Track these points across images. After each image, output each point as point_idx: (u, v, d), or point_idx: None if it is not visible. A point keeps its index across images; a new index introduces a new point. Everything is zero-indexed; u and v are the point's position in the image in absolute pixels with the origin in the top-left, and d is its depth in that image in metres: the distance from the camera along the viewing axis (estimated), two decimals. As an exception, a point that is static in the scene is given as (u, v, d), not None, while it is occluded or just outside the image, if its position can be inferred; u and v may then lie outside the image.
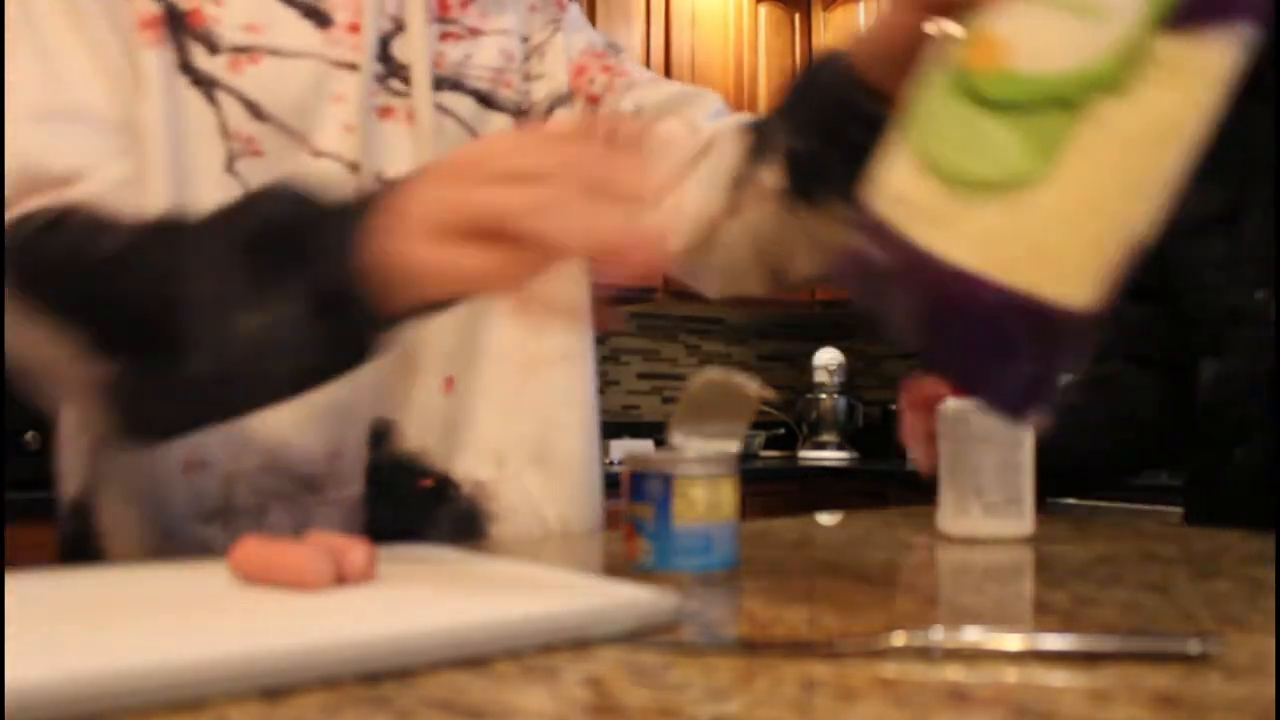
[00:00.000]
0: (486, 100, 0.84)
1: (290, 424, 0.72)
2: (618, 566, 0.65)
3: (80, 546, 0.73)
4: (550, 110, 0.88)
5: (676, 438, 0.73)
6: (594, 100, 0.90)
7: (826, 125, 0.69)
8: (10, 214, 0.63)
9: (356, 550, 0.51)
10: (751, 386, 0.73)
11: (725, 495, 0.64)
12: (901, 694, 0.37)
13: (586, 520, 0.87)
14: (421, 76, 0.79)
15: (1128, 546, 0.78)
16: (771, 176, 0.75)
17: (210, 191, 0.71)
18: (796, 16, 3.73)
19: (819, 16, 3.74)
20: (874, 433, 3.74)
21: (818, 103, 0.70)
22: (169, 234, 0.59)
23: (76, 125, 0.68)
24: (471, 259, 0.48)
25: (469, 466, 0.80)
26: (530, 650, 0.42)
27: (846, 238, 0.59)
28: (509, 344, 0.83)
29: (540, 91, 0.88)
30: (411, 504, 0.78)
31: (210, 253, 0.56)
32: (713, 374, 0.74)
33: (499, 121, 0.85)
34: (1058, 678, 0.39)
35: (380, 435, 0.77)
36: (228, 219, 0.57)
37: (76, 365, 0.59)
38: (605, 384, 3.61)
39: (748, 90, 3.56)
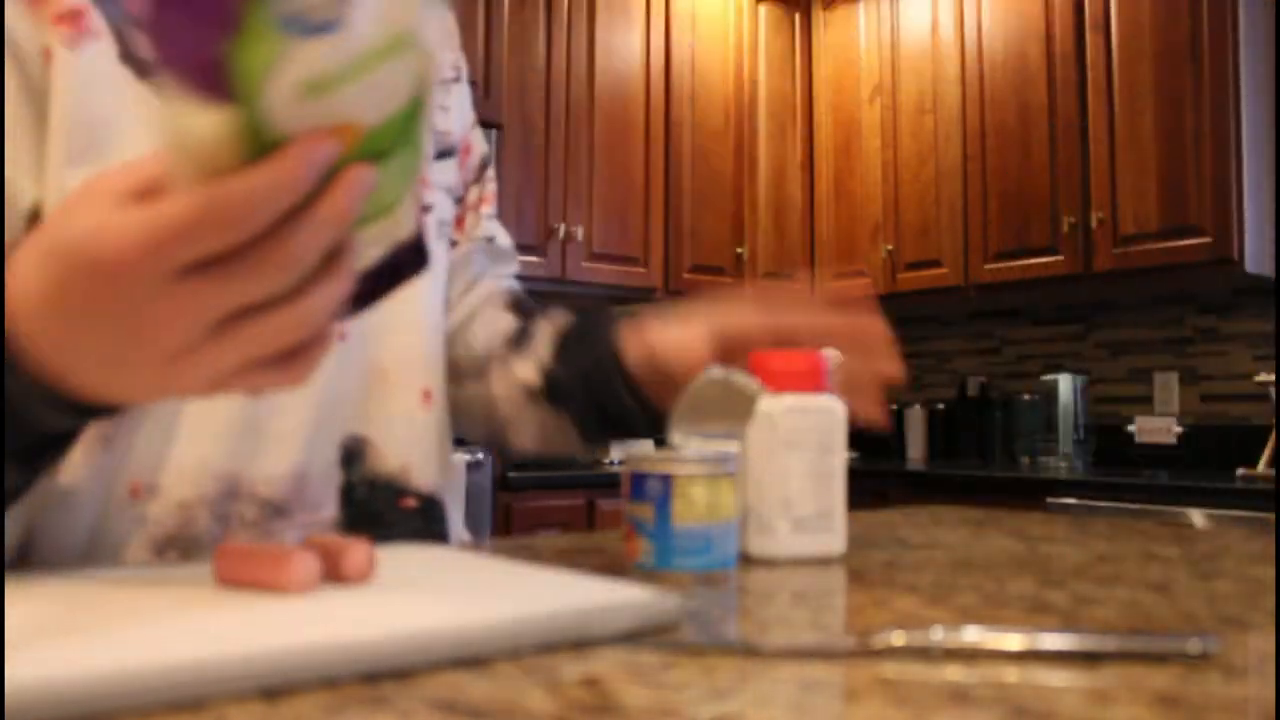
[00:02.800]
0: None
1: (248, 447, 0.68)
2: (618, 566, 0.65)
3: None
4: (444, 153, 0.87)
5: (676, 438, 0.73)
6: (465, 185, 0.91)
7: (587, 377, 0.79)
8: None
9: (356, 550, 0.51)
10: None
11: (725, 495, 0.64)
12: (901, 694, 0.37)
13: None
14: None
15: (1128, 546, 0.78)
16: (526, 372, 0.84)
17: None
18: (796, 16, 3.73)
19: (819, 16, 3.74)
20: (874, 433, 3.74)
21: (586, 361, 0.80)
22: None
23: None
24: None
25: (447, 485, 0.79)
26: (530, 650, 0.42)
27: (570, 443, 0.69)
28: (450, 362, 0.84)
29: (441, 122, 0.87)
30: (395, 526, 0.74)
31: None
32: (713, 374, 0.74)
33: None
34: (1058, 678, 0.39)
35: (353, 454, 0.73)
36: None
37: None
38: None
39: (748, 90, 3.56)
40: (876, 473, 3.11)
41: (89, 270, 0.40)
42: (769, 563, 0.68)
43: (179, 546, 0.65)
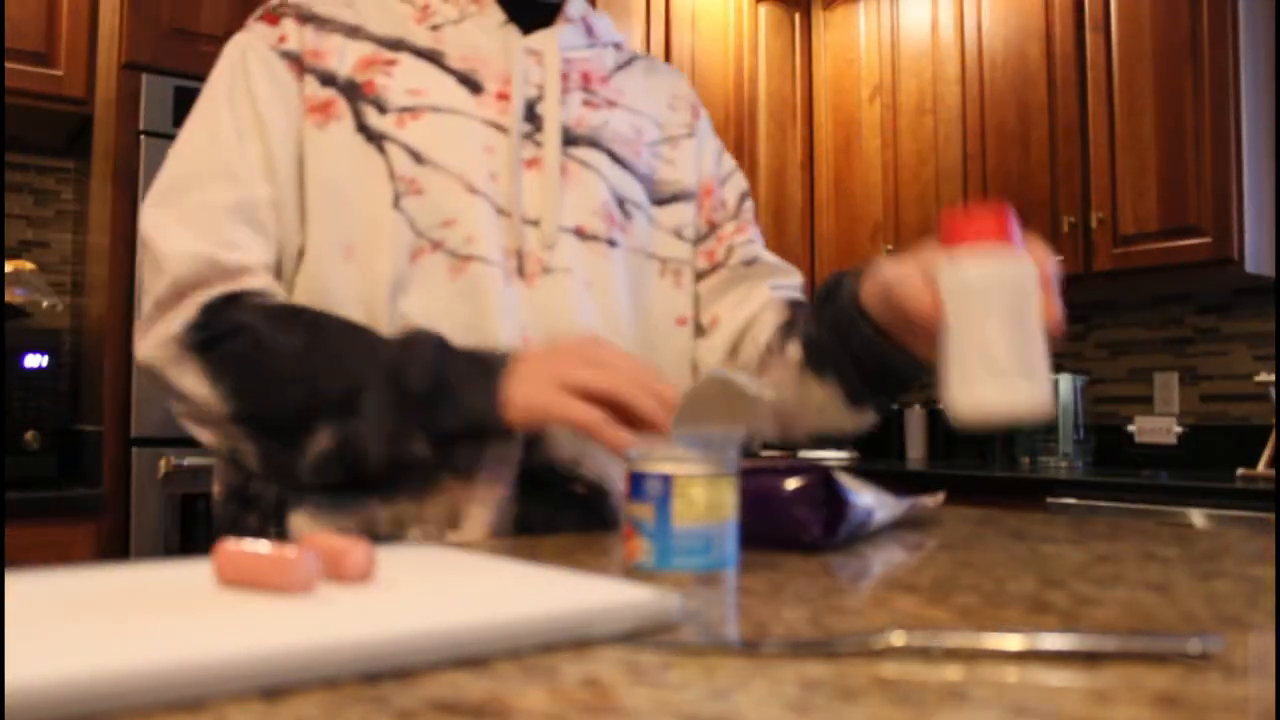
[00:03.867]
0: (618, 160, 0.98)
1: None
2: (618, 566, 0.65)
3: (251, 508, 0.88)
4: (673, 198, 1.03)
5: (676, 438, 0.73)
6: (711, 224, 1.06)
7: (838, 331, 0.88)
8: (200, 295, 0.82)
9: (356, 550, 0.51)
10: (752, 386, 0.73)
11: (725, 495, 0.64)
12: (901, 694, 0.37)
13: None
14: (550, 134, 0.93)
15: (1128, 546, 0.78)
16: (794, 350, 0.95)
17: (382, 228, 0.86)
18: (796, 16, 3.73)
19: (819, 16, 3.74)
20: (874, 433, 3.74)
21: (833, 312, 0.89)
22: (336, 355, 0.79)
23: (246, 224, 0.85)
24: (569, 403, 0.72)
25: (614, 478, 0.89)
26: (530, 650, 0.42)
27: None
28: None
29: (665, 172, 1.03)
30: (562, 508, 0.87)
31: (375, 386, 0.77)
32: (713, 374, 0.74)
33: (623, 177, 0.98)
34: (1058, 678, 0.39)
35: (534, 440, 0.85)
36: (393, 358, 0.77)
37: (215, 418, 0.81)
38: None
39: (748, 90, 3.56)
40: (876, 473, 3.10)
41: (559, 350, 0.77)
42: (973, 414, 0.69)
43: (384, 494, 0.84)
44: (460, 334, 0.82)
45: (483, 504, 0.84)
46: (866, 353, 0.86)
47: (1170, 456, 3.04)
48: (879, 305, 0.83)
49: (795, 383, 0.95)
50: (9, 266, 2.33)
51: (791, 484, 0.72)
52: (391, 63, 0.90)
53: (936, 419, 3.53)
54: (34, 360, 2.15)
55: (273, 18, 0.92)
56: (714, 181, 1.08)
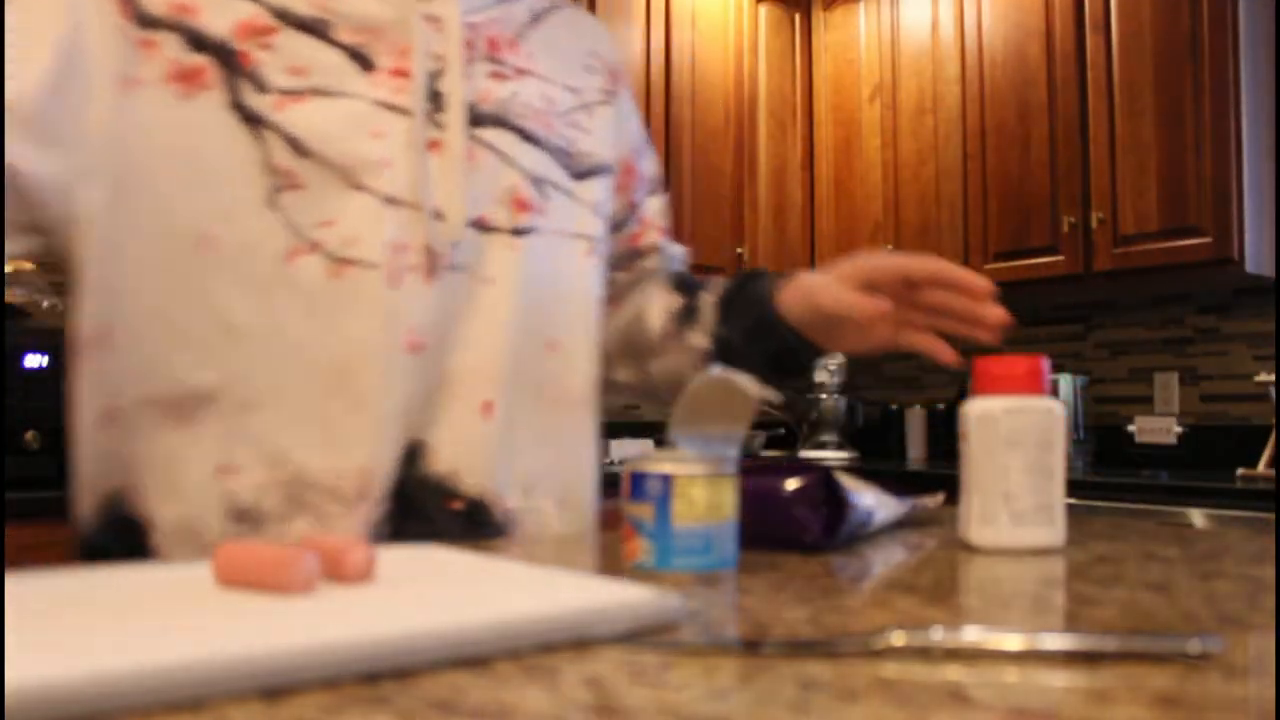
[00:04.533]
0: (527, 136, 0.89)
1: (324, 441, 0.77)
2: (618, 566, 0.65)
3: (114, 537, 0.79)
4: (591, 172, 0.95)
5: (676, 438, 0.73)
6: (633, 205, 1.03)
7: (750, 332, 0.93)
8: None
9: (356, 550, 0.51)
10: (751, 387, 0.73)
11: (725, 495, 0.64)
12: (901, 694, 0.37)
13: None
14: (455, 113, 0.83)
15: (1128, 546, 0.78)
16: (699, 340, 0.97)
17: (250, 224, 0.77)
18: (796, 16, 3.73)
19: (819, 16, 3.74)
20: (874, 433, 3.75)
21: (745, 311, 0.93)
22: None
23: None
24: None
25: (500, 492, 0.83)
26: (530, 650, 0.42)
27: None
28: (544, 378, 0.88)
29: (583, 143, 0.94)
30: (440, 524, 0.80)
31: None
32: (713, 374, 0.74)
33: (536, 156, 0.89)
34: (1058, 678, 0.39)
35: (411, 455, 0.79)
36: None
37: None
38: (605, 384, 3.60)
39: (748, 90, 3.56)
40: (877, 472, 3.10)
41: None
42: (990, 552, 0.74)
43: (251, 520, 0.76)
44: (327, 345, 0.77)
45: (351, 529, 0.77)
46: (782, 351, 0.93)
47: (1170, 456, 3.04)
48: (800, 309, 0.90)
49: (693, 368, 0.96)
50: (9, 266, 2.33)
51: (791, 484, 0.72)
52: (271, 31, 0.78)
53: (936, 419, 3.53)
54: (34, 360, 2.15)
55: None
56: (634, 157, 1.03)
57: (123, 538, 0.78)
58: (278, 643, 0.37)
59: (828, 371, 3.58)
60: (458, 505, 0.81)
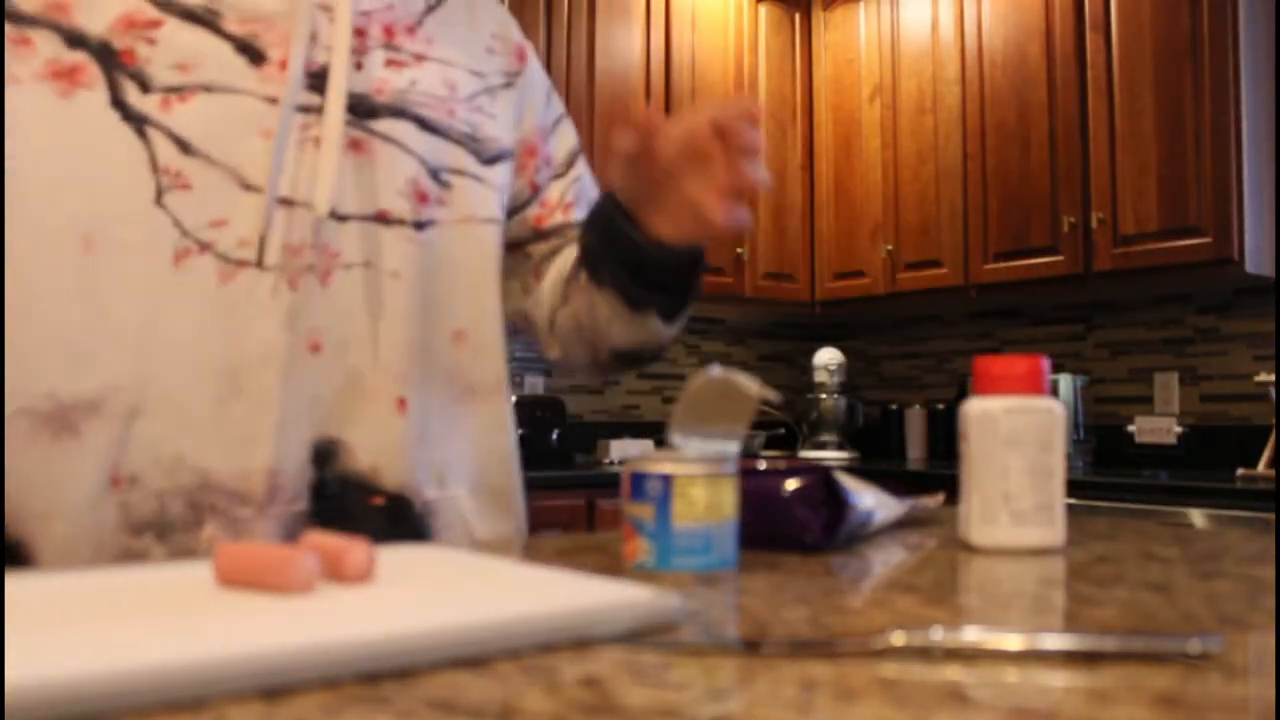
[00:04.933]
0: (427, 126, 0.86)
1: (222, 443, 0.74)
2: (618, 566, 0.65)
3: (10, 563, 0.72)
4: (502, 156, 0.93)
5: (676, 438, 0.73)
6: (535, 187, 0.99)
7: (603, 234, 0.88)
8: None
9: (356, 550, 0.51)
10: (751, 386, 0.73)
11: (725, 495, 0.64)
12: (901, 694, 0.37)
13: (510, 538, 0.92)
14: (333, 107, 0.80)
15: (1128, 546, 0.78)
16: (581, 269, 0.93)
17: (138, 225, 0.75)
18: (796, 16, 3.73)
19: (819, 16, 3.74)
20: (874, 433, 3.75)
21: (595, 214, 0.90)
22: None
23: None
24: None
25: (418, 485, 0.83)
26: (530, 650, 0.42)
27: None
28: (452, 371, 0.87)
29: (488, 128, 0.92)
30: (363, 521, 0.78)
31: None
32: (713, 374, 0.74)
33: (438, 145, 0.87)
34: (1058, 678, 0.39)
35: (326, 453, 0.78)
36: None
37: None
38: (605, 384, 3.61)
39: (748, 91, 3.56)
40: (876, 472, 3.11)
41: None
42: (990, 552, 0.74)
43: (155, 530, 0.73)
44: (221, 347, 0.75)
45: (266, 530, 0.75)
46: (628, 247, 0.86)
47: (1170, 456, 3.04)
48: (626, 183, 0.85)
49: (588, 301, 0.93)
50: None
51: (791, 484, 0.72)
52: (155, 24, 0.76)
53: (936, 419, 3.53)
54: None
55: None
56: (538, 137, 0.99)
57: None
58: (278, 643, 0.37)
59: (828, 371, 3.58)
60: (379, 501, 0.80)
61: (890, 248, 3.42)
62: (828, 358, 3.62)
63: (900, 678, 0.39)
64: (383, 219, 0.82)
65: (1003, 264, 3.11)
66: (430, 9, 0.90)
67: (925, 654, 0.42)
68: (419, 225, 0.84)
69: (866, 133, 3.54)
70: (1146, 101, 2.78)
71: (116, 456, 0.73)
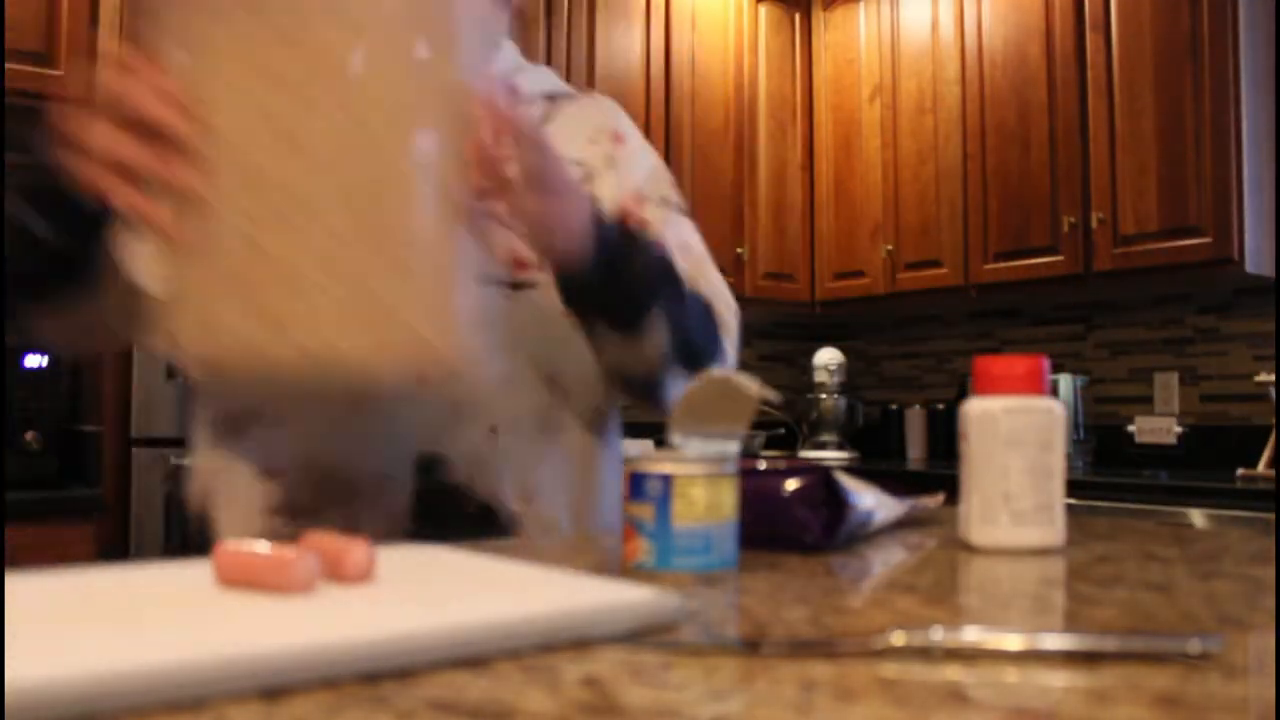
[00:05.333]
0: None
1: (346, 449, 0.90)
2: (618, 566, 0.65)
3: (200, 535, 0.94)
4: None
5: (676, 438, 0.73)
6: None
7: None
8: None
9: (356, 550, 0.51)
10: (751, 386, 0.73)
11: (725, 495, 0.64)
12: (901, 694, 0.37)
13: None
14: None
15: (1128, 546, 0.78)
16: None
17: None
18: (796, 16, 3.73)
19: (819, 16, 3.74)
20: (874, 433, 3.75)
21: None
22: None
23: None
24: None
25: (505, 499, 0.94)
26: (530, 650, 0.42)
27: None
28: (541, 410, 0.98)
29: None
30: (455, 525, 0.90)
31: None
32: (713, 374, 0.73)
33: None
34: (1058, 678, 0.39)
35: (429, 465, 0.91)
36: None
37: None
38: (605, 384, 3.60)
39: (748, 90, 3.56)
40: (876, 472, 3.10)
41: None
42: (990, 552, 0.74)
43: (287, 513, 0.89)
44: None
45: (374, 520, 0.87)
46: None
47: (1170, 456, 3.04)
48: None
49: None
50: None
51: (791, 484, 0.72)
52: None
53: (936, 419, 3.53)
54: (34, 360, 2.15)
55: None
56: (632, 200, 1.06)
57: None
58: (278, 643, 0.37)
59: (828, 371, 3.58)
60: (471, 509, 0.92)
61: (890, 248, 3.42)
62: (828, 358, 3.62)
63: (900, 678, 0.39)
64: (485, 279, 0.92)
65: (1003, 264, 3.11)
66: (543, 119, 1.04)
67: (925, 654, 0.42)
68: (515, 286, 0.95)
69: (866, 133, 3.54)
70: (1146, 101, 2.78)
71: (266, 453, 0.91)
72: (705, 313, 0.99)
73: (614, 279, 0.87)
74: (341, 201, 0.62)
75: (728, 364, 1.01)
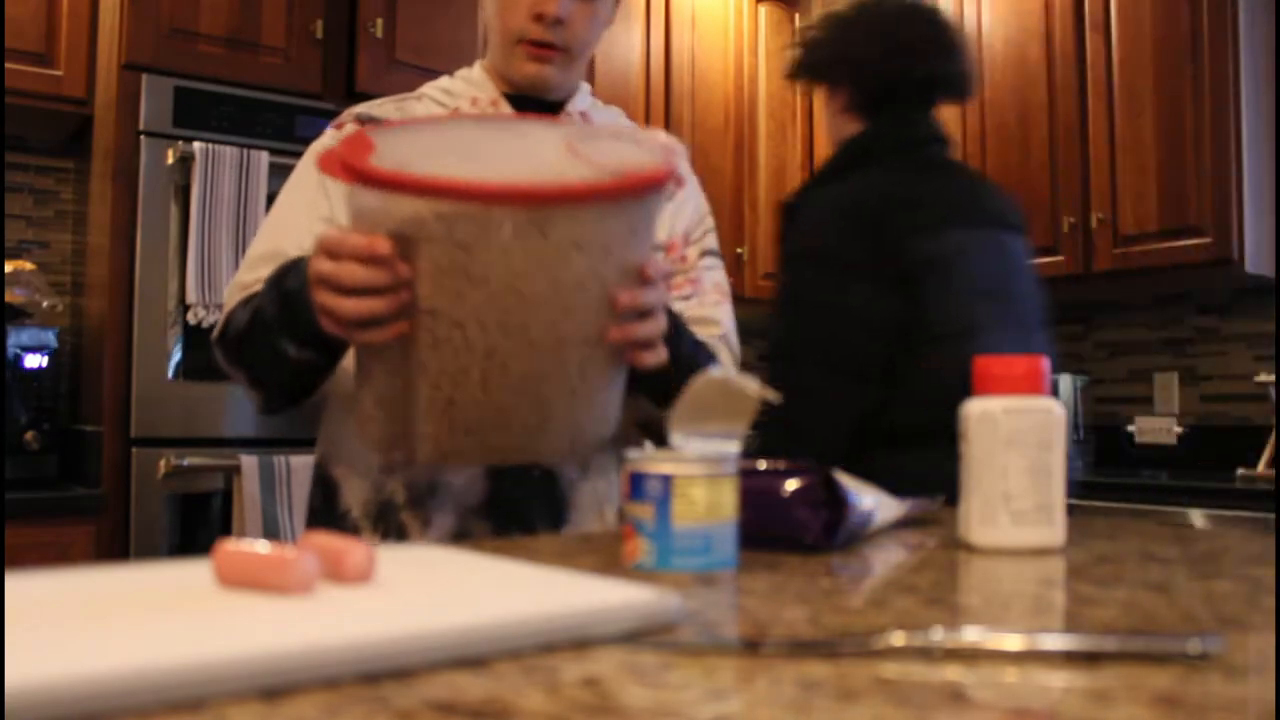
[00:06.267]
0: None
1: None
2: (618, 566, 0.65)
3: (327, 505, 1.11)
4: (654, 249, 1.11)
5: (676, 438, 0.73)
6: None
7: None
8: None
9: (356, 550, 0.51)
10: (751, 386, 0.73)
11: (725, 495, 0.64)
12: (901, 694, 0.37)
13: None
14: None
15: (1128, 546, 0.78)
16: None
17: None
18: (796, 16, 3.73)
19: (819, 16, 3.74)
20: (874, 433, 3.74)
21: None
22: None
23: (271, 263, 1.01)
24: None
25: (563, 470, 1.06)
26: (530, 650, 0.42)
27: None
28: None
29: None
30: (523, 485, 1.05)
31: (265, 291, 0.97)
32: (713, 374, 0.74)
33: None
34: (1058, 678, 0.39)
35: None
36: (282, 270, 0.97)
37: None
38: (605, 384, 3.60)
39: (748, 90, 3.56)
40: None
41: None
42: (990, 552, 0.74)
43: (374, 512, 1.07)
44: None
45: (457, 479, 1.03)
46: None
47: (1170, 457, 3.04)
48: None
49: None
50: (9, 266, 2.33)
51: (792, 484, 0.72)
52: None
53: (936, 419, 3.53)
54: (34, 360, 2.15)
55: (338, 124, 1.14)
56: (680, 240, 1.19)
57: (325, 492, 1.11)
58: (278, 643, 0.37)
59: (828, 371, 3.58)
60: (535, 473, 1.05)
61: (890, 248, 3.42)
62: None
63: (900, 678, 0.39)
64: None
65: (1003, 264, 3.11)
66: None
67: (925, 654, 0.42)
68: None
69: (866, 133, 3.54)
70: (1146, 102, 2.78)
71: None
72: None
73: (675, 375, 0.94)
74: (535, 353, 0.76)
75: None
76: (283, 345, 0.94)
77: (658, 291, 0.81)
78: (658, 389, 0.99)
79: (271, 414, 1.07)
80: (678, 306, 1.13)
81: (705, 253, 1.22)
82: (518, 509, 1.05)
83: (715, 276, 1.21)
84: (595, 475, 1.10)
